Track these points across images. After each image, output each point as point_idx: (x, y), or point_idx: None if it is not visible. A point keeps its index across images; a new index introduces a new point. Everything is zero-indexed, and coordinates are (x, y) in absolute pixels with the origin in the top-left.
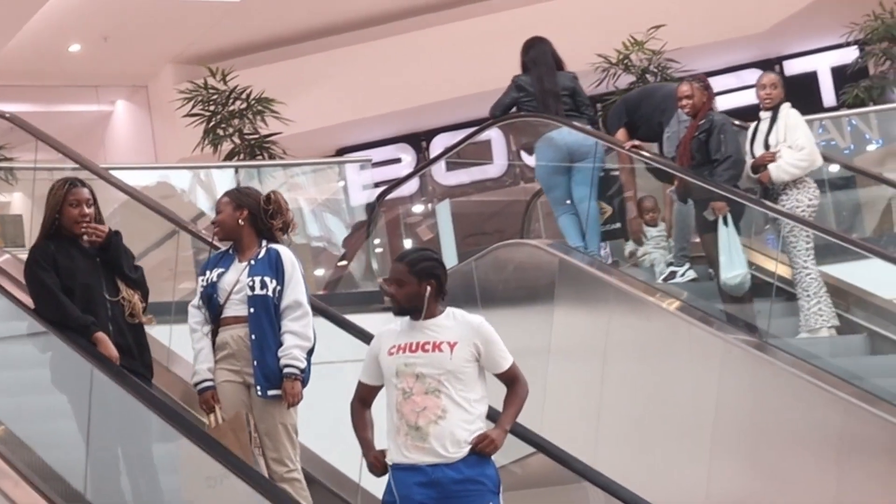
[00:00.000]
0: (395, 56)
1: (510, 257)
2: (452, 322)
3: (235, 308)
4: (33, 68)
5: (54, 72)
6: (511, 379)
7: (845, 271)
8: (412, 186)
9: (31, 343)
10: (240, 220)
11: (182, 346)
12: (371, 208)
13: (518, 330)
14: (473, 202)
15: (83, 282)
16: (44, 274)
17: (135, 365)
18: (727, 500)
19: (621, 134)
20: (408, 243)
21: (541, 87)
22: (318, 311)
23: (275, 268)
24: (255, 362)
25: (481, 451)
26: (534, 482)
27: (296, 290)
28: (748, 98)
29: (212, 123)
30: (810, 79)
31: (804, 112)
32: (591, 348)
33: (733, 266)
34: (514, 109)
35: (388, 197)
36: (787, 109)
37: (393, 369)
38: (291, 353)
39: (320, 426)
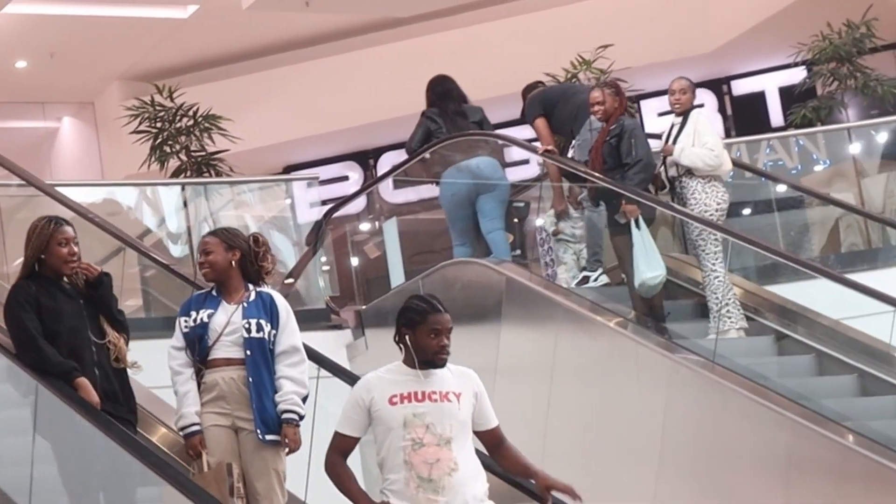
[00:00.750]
0: (342, 74)
1: (458, 275)
2: (449, 373)
3: (226, 350)
4: None
5: (0, 88)
6: (499, 438)
7: (793, 291)
8: (359, 204)
9: (10, 383)
10: (232, 262)
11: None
12: (318, 226)
13: (465, 348)
14: (421, 220)
15: (69, 324)
16: (24, 316)
17: (120, 410)
18: None
19: (543, 125)
20: (354, 261)
21: (453, 119)
22: None
23: (269, 312)
24: (255, 406)
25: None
26: None
27: (292, 336)
28: None
29: (158, 140)
30: (758, 98)
31: (752, 132)
32: (538, 367)
33: (651, 267)
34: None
35: (336, 215)
36: (696, 115)
37: (400, 419)
38: (291, 398)
39: None
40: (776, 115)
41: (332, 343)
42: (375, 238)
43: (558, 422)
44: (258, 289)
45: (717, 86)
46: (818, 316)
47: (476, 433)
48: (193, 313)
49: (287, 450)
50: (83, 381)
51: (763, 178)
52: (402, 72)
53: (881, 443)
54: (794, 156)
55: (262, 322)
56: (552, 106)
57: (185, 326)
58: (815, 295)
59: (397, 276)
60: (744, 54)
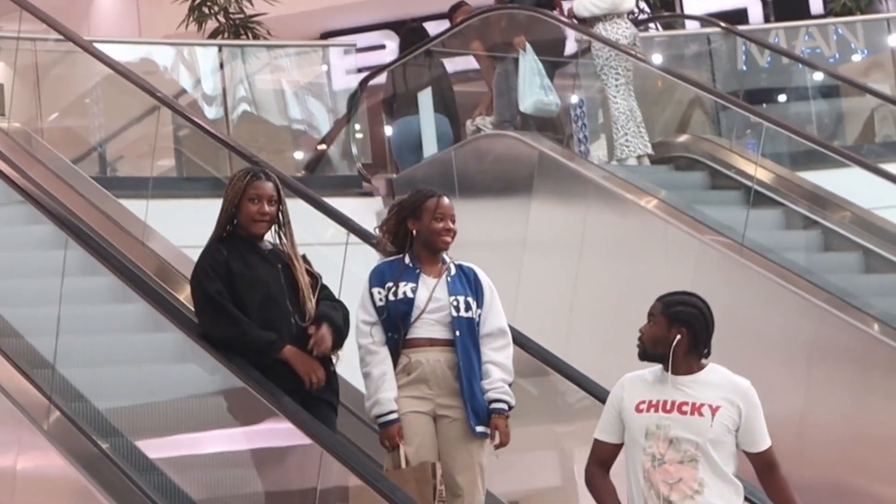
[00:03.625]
0: None
1: (490, 148)
2: (715, 382)
3: (429, 329)
4: None
5: None
6: (769, 464)
7: (825, 179)
8: None
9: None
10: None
11: (158, 221)
12: (353, 94)
13: (494, 221)
14: (455, 92)
15: (263, 293)
16: (209, 284)
17: (324, 393)
18: None
19: None
20: (388, 129)
21: None
22: (297, 193)
23: (474, 289)
24: (465, 394)
25: None
26: None
27: (499, 316)
28: None
29: (197, 1)
30: None
31: (791, 18)
32: (567, 243)
33: (533, 92)
34: None
35: (371, 83)
36: None
37: (642, 429)
38: (501, 386)
39: None
40: (816, 3)
41: (362, 210)
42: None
43: (585, 298)
44: (457, 262)
45: None
46: (850, 205)
47: (745, 453)
48: (391, 284)
49: (497, 442)
50: (292, 351)
51: (800, 65)
52: None
53: None
54: (832, 44)
55: (470, 300)
56: None
57: (381, 299)
58: (847, 184)
59: (430, 147)
60: None
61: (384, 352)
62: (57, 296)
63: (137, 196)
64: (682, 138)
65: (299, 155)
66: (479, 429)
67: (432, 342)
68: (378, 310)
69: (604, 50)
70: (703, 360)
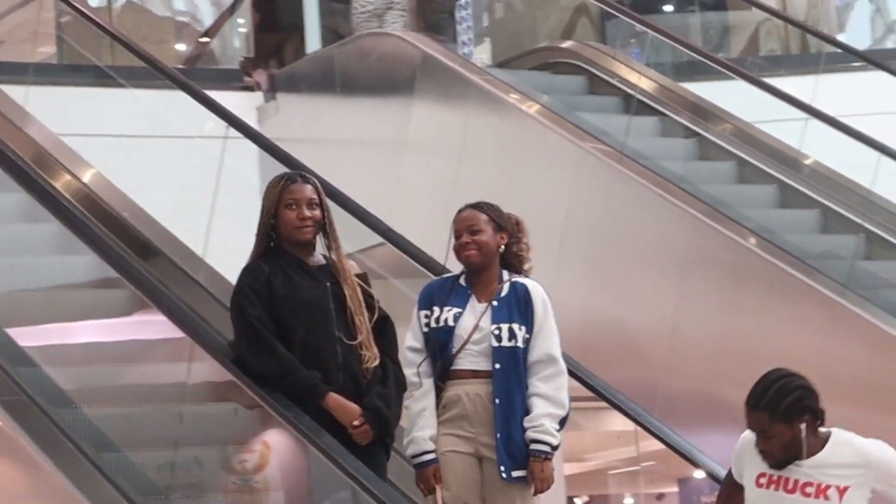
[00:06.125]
0: None
1: (374, 47)
2: (841, 457)
3: (473, 360)
4: None
5: None
6: None
7: (708, 90)
8: None
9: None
10: (500, 247)
11: (37, 108)
12: None
13: (376, 121)
14: None
15: (308, 315)
16: (250, 310)
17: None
18: (571, 305)
19: None
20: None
21: None
22: (177, 84)
23: (522, 309)
24: (499, 434)
25: None
26: (379, 273)
27: (549, 341)
28: None
29: None
30: None
31: None
32: (448, 145)
33: None
34: None
35: None
36: None
37: None
38: (542, 424)
39: (168, 197)
40: None
41: (242, 104)
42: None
43: (463, 200)
44: (514, 278)
45: None
46: (732, 118)
47: None
48: (436, 310)
49: (534, 490)
50: (335, 401)
51: None
52: None
53: (787, 250)
54: None
55: (515, 327)
56: None
57: (426, 325)
58: (729, 96)
59: (314, 42)
60: None
61: (428, 384)
62: None
63: (17, 82)
64: (567, 44)
65: (182, 47)
66: (515, 473)
67: (475, 374)
68: (424, 336)
69: None
70: (822, 429)
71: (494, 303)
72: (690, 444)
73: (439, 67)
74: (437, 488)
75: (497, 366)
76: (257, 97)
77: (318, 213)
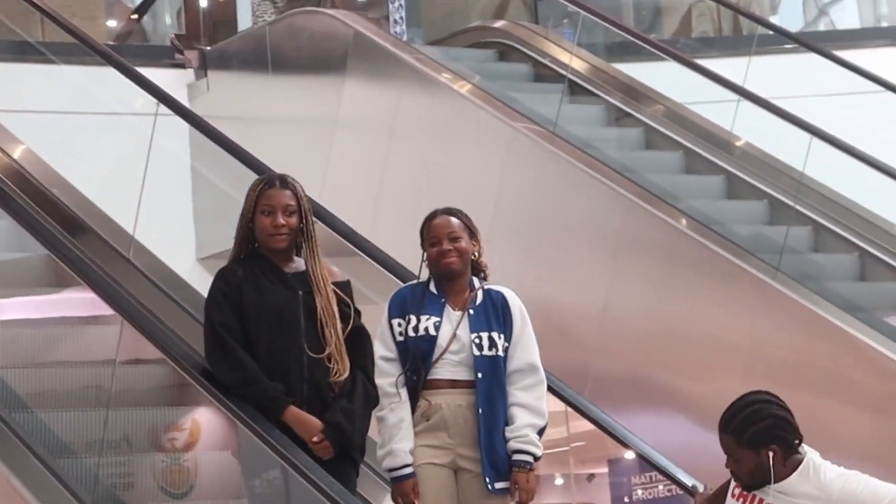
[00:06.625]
0: None
1: (306, 24)
2: (804, 486)
3: (451, 369)
4: None
5: None
6: None
7: (640, 71)
8: None
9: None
10: (475, 254)
11: None
12: None
13: (307, 99)
14: None
15: (272, 323)
16: (217, 314)
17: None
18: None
19: None
20: (203, 1)
21: None
22: (107, 60)
23: (501, 318)
24: (482, 445)
25: None
26: None
27: (529, 350)
28: None
29: None
30: None
31: None
32: (379, 124)
33: None
34: None
35: None
36: None
37: None
38: (527, 435)
39: (98, 174)
40: None
41: (173, 81)
42: None
43: (394, 179)
44: (486, 285)
45: None
46: (664, 99)
47: None
48: (412, 318)
49: (517, 500)
50: (294, 415)
51: None
52: None
53: (710, 226)
54: None
55: (494, 335)
56: None
57: (401, 333)
58: (662, 78)
59: (246, 20)
60: None
61: (403, 395)
62: None
63: None
64: (499, 24)
65: (113, 23)
66: (498, 485)
67: (454, 384)
68: (398, 345)
69: None
70: (798, 454)
71: (471, 311)
72: (621, 425)
73: (371, 46)
74: (415, 503)
75: (479, 375)
76: (188, 74)
77: (294, 220)
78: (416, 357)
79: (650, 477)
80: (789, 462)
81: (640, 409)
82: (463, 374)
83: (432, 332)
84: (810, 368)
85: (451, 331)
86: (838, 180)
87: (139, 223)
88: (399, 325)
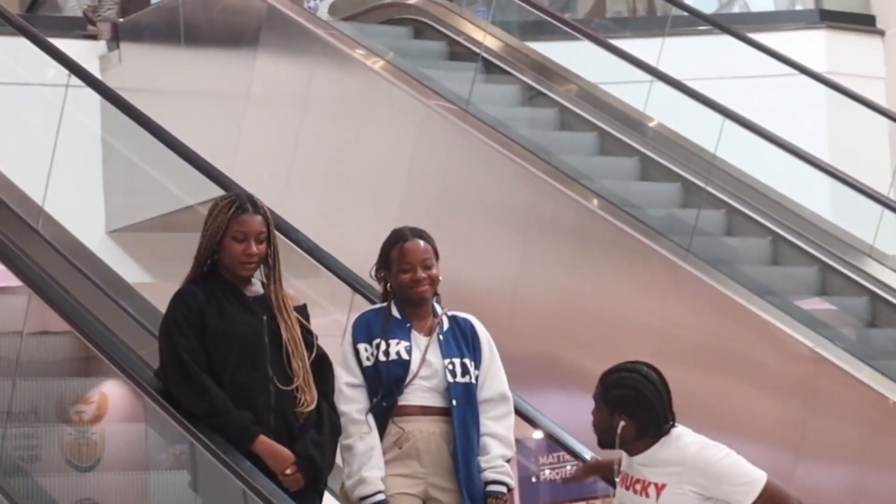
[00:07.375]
0: None
1: None
2: (663, 455)
3: (422, 395)
4: None
5: None
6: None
7: (554, 50)
8: None
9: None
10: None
11: None
12: None
13: (219, 73)
14: None
15: (239, 351)
16: (181, 340)
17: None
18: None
19: None
20: None
21: None
22: (18, 29)
23: (471, 346)
24: (461, 477)
25: None
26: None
27: (499, 378)
28: None
29: None
30: None
31: None
32: (291, 99)
33: None
34: None
35: None
36: None
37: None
38: (500, 465)
39: (7, 144)
40: None
41: (85, 53)
42: None
43: (306, 155)
44: (451, 312)
45: None
46: (578, 78)
47: None
48: (381, 342)
49: None
50: (264, 445)
51: None
52: None
53: (622, 208)
54: None
55: (467, 361)
56: None
57: (368, 358)
58: (575, 58)
59: None
60: None
61: (371, 422)
62: None
63: None
64: (414, 0)
65: None
66: None
67: (425, 410)
68: (364, 370)
69: None
70: (669, 430)
71: (440, 337)
72: (529, 405)
73: (284, 21)
74: None
75: (454, 402)
76: (100, 46)
77: (263, 247)
78: (390, 382)
79: (558, 457)
80: (646, 438)
81: (549, 388)
82: (434, 401)
83: (405, 356)
84: (720, 350)
85: (420, 356)
86: (752, 163)
87: (49, 194)
88: (366, 349)
